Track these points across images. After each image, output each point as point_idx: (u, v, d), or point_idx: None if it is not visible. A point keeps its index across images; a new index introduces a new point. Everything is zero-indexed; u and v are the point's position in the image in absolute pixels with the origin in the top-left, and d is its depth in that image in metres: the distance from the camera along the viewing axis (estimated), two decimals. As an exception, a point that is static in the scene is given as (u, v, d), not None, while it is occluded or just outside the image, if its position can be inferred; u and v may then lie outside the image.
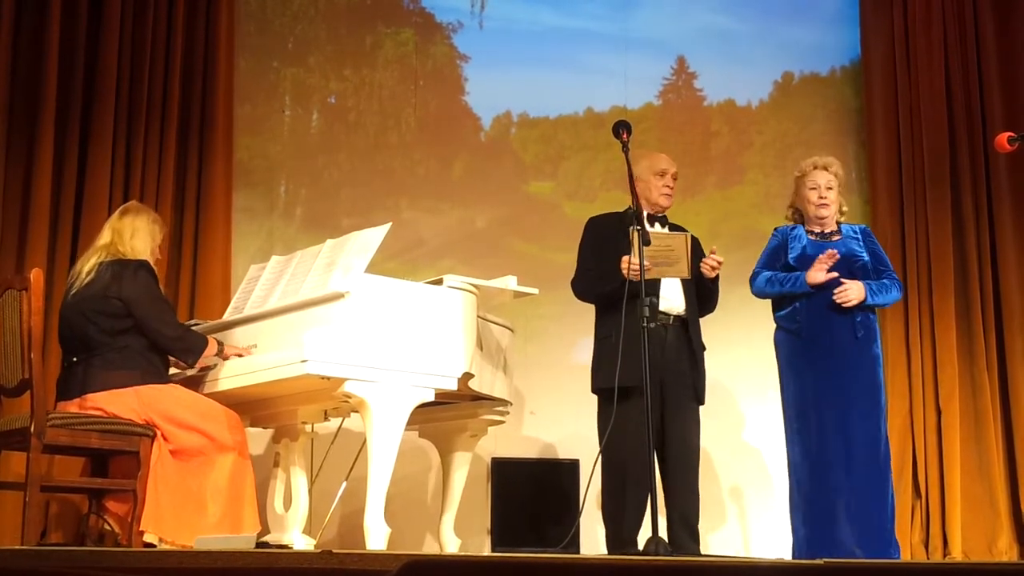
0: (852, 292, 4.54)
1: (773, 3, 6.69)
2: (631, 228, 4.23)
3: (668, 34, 6.58)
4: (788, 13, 6.67)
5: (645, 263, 4.12)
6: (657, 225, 4.64)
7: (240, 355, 4.22)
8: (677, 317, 4.55)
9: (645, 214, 4.54)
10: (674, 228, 4.68)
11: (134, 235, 4.30)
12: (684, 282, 4.54)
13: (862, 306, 4.57)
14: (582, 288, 4.70)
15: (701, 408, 4.61)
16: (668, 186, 4.68)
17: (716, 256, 4.46)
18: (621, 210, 4.70)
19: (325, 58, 6.29)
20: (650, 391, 4.03)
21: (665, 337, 4.49)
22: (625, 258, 4.30)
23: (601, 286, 4.53)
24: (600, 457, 4.37)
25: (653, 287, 4.43)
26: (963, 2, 6.36)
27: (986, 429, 5.91)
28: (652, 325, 4.12)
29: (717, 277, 4.54)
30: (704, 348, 4.64)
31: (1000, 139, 4.17)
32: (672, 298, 4.55)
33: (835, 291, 4.55)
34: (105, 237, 4.31)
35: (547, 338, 6.06)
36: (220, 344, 4.25)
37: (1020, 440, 5.89)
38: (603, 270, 4.50)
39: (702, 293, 4.62)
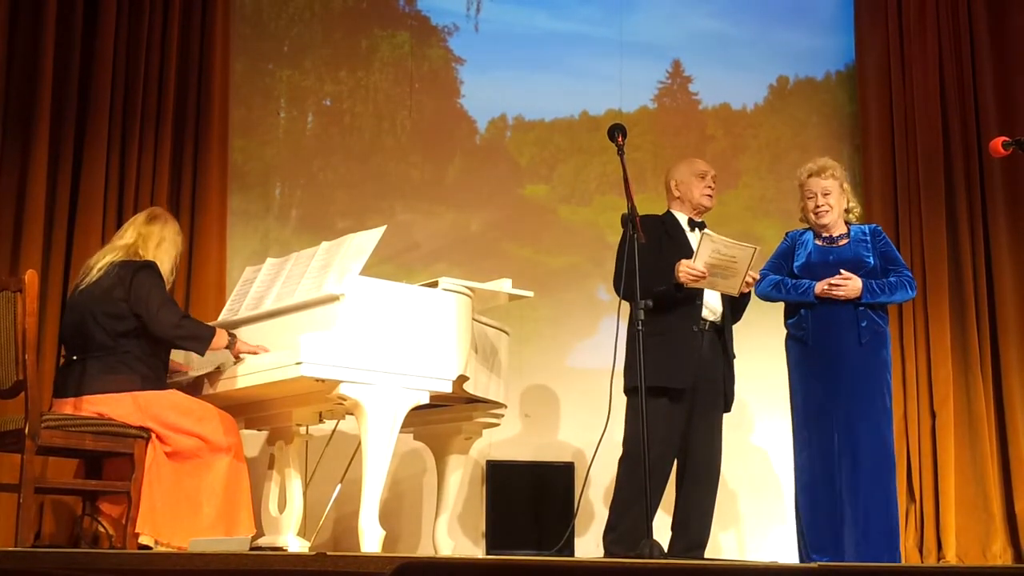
0: (844, 288, 4.49)
1: (768, 8, 6.70)
2: (701, 232, 4.36)
3: (663, 38, 6.58)
4: (783, 18, 6.68)
5: (703, 268, 4.28)
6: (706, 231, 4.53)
7: (255, 353, 4.14)
8: (712, 324, 4.54)
9: (686, 219, 4.63)
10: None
11: (160, 244, 4.27)
12: None
13: (867, 311, 4.52)
14: (629, 288, 4.22)
15: None
16: (710, 187, 4.67)
17: (753, 273, 4.47)
18: (659, 213, 4.70)
19: (321, 61, 6.29)
20: (681, 395, 4.16)
21: (701, 343, 4.49)
22: (684, 262, 4.32)
23: (652, 286, 4.27)
24: (624, 456, 4.42)
25: (697, 290, 4.46)
26: (957, 7, 6.38)
27: (980, 432, 5.92)
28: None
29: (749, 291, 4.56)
30: (735, 356, 4.62)
31: (994, 143, 4.17)
32: (712, 304, 4.54)
33: (832, 280, 4.50)
34: (128, 237, 4.28)
35: (542, 341, 6.06)
36: (232, 337, 4.17)
37: (1014, 443, 5.90)
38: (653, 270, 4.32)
39: (736, 302, 4.61)
